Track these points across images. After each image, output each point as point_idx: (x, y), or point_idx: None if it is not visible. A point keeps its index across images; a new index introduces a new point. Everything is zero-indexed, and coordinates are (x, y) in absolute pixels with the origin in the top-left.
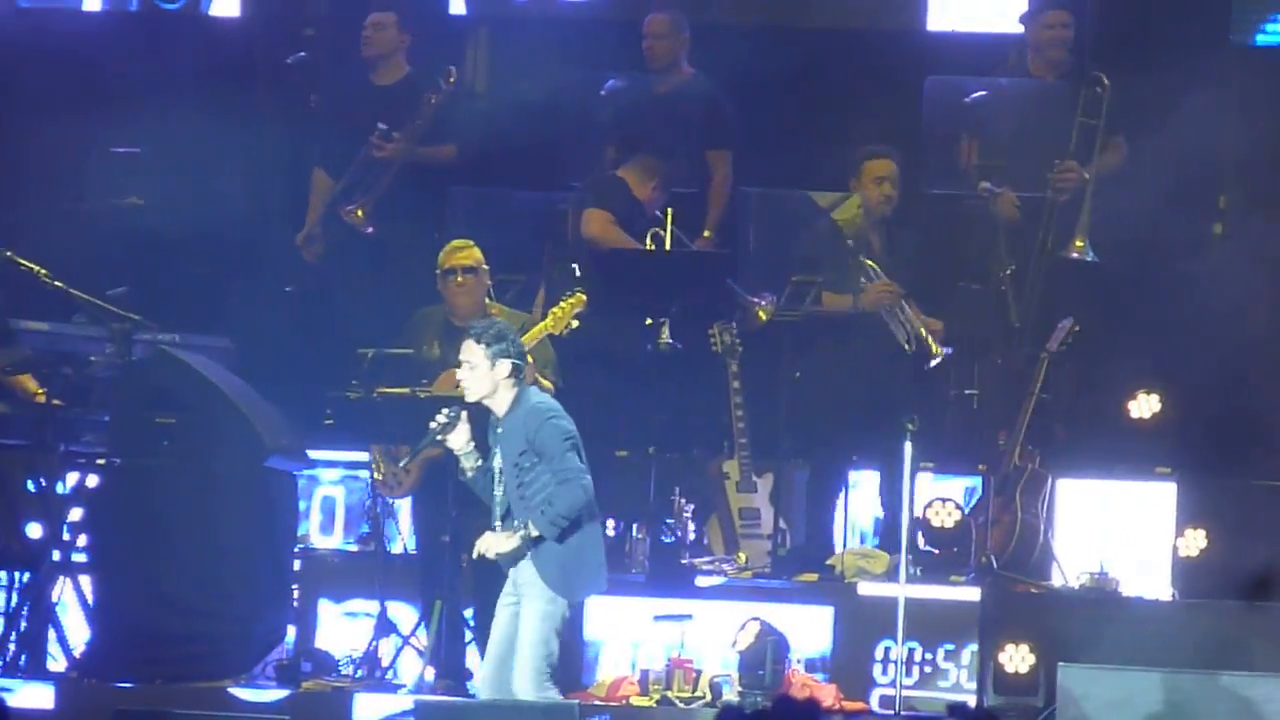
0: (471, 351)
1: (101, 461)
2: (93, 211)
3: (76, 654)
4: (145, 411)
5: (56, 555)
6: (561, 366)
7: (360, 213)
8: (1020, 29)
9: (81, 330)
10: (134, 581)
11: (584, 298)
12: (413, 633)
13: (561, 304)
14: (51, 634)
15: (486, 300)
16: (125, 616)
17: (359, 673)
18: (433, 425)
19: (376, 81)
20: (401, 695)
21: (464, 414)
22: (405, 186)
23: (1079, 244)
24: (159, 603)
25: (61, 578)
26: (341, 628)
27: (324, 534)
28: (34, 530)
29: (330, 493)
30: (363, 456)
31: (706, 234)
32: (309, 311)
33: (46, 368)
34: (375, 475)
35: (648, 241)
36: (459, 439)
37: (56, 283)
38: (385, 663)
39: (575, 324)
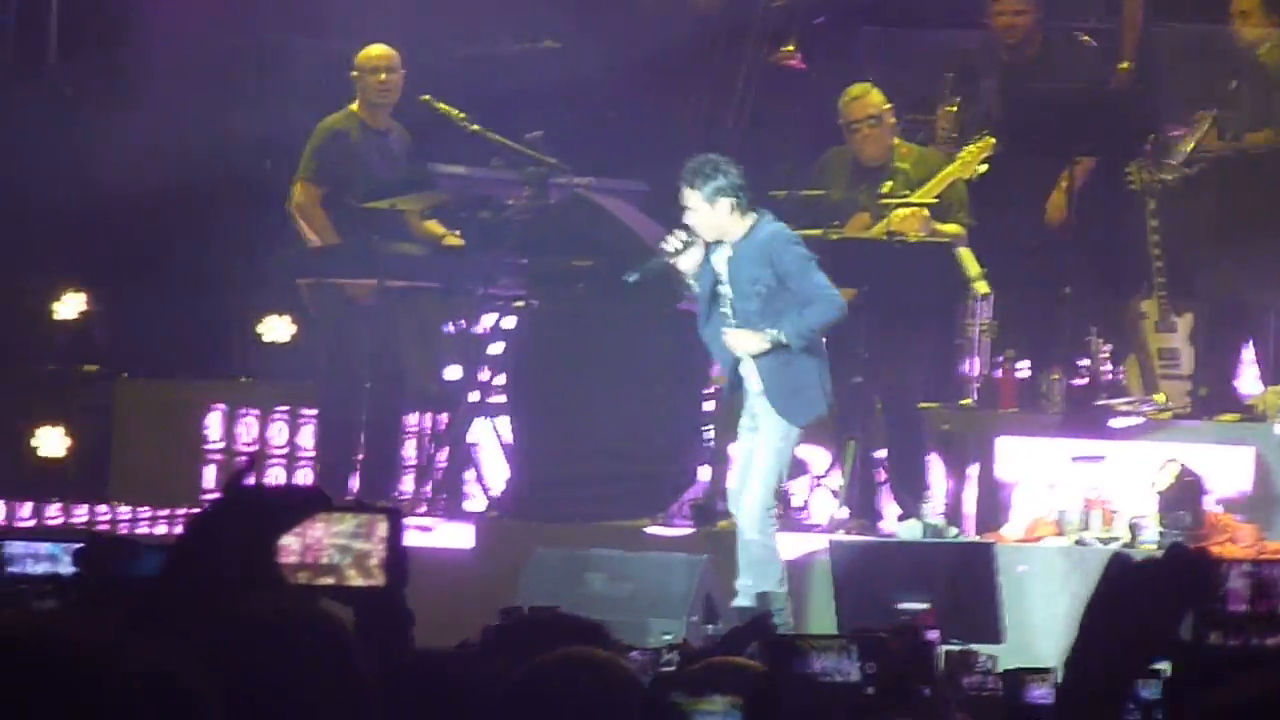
0: (689, 197)
1: (518, 304)
2: (506, 55)
3: (495, 494)
4: (561, 255)
5: (474, 396)
6: (972, 208)
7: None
8: None
9: (498, 174)
10: (550, 423)
11: (993, 140)
12: (826, 473)
13: (969, 146)
14: (470, 474)
15: (895, 141)
16: (542, 457)
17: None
18: (665, 246)
19: None
20: (816, 535)
21: (700, 240)
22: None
23: None
24: (575, 443)
25: (479, 418)
26: None
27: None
28: (452, 372)
29: None
30: None
31: (1124, 65)
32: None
33: (464, 211)
34: None
35: None
36: (690, 262)
37: (474, 126)
38: (798, 502)
39: (983, 168)
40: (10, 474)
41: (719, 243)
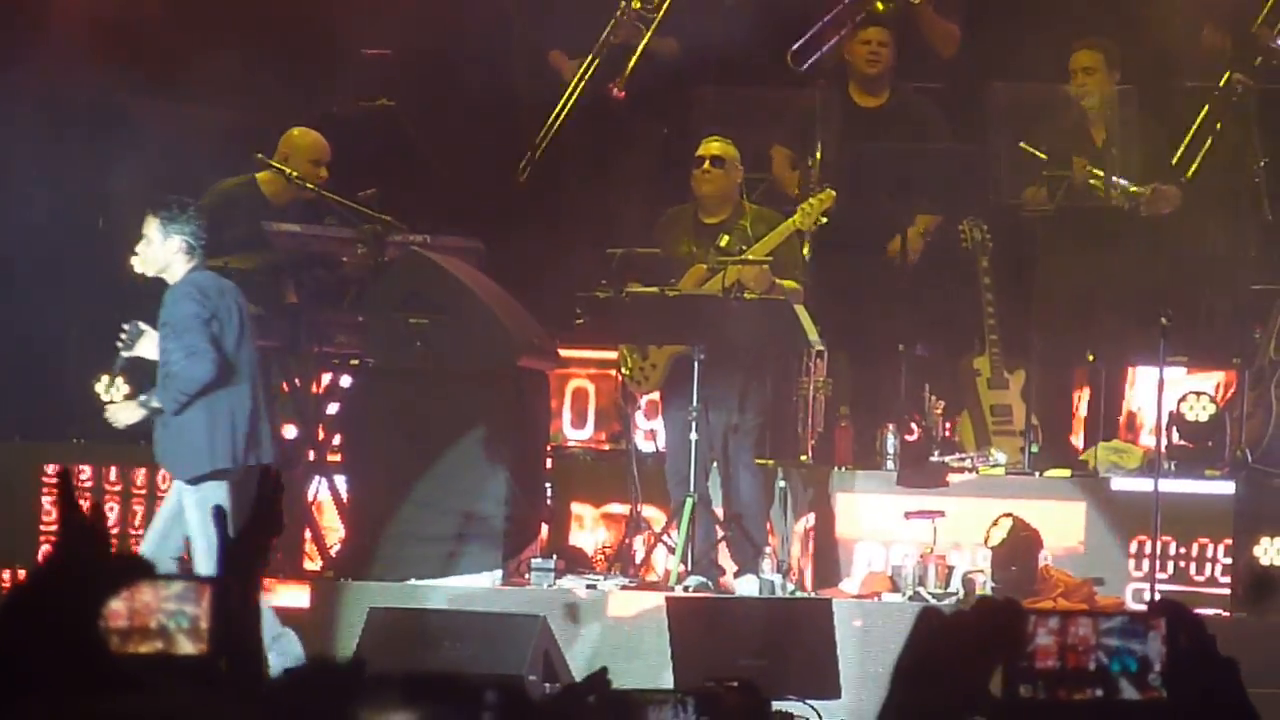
0: (148, 225)
1: (355, 362)
2: (342, 114)
3: (331, 553)
4: (397, 313)
5: (311, 455)
6: (811, 264)
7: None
8: None
9: (332, 232)
10: (388, 481)
11: (833, 193)
12: (664, 529)
13: (810, 200)
14: (307, 533)
15: (738, 198)
16: (380, 516)
17: (612, 570)
18: (119, 345)
19: None
20: (654, 593)
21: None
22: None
23: None
24: (413, 502)
25: (316, 477)
26: (594, 526)
27: (575, 430)
28: (288, 430)
29: (581, 389)
30: (613, 354)
31: None
32: (556, 211)
33: (299, 269)
34: (624, 372)
35: None
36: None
37: (307, 185)
38: (638, 560)
39: (823, 220)
40: None
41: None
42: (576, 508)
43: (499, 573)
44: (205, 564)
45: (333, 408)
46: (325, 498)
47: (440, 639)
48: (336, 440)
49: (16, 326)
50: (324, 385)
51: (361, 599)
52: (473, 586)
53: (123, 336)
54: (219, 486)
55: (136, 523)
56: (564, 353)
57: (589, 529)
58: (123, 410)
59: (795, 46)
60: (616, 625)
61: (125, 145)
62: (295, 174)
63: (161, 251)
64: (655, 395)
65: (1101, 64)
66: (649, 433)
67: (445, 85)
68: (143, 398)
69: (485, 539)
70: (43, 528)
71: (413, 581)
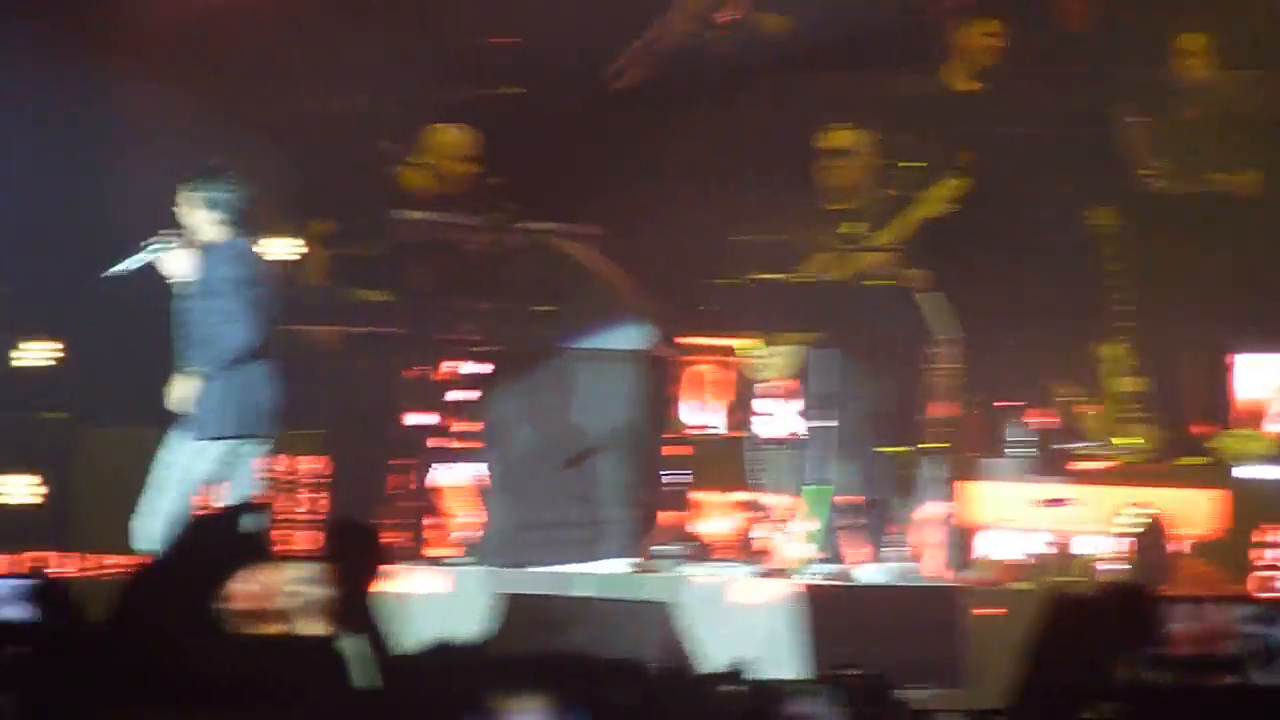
0: (181, 193)
1: (480, 350)
2: (468, 102)
3: (459, 539)
4: (523, 300)
5: (437, 442)
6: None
7: None
8: None
9: (458, 220)
10: (513, 468)
11: (961, 179)
12: (791, 517)
13: (937, 185)
14: (435, 520)
15: (866, 183)
16: (506, 503)
17: (736, 557)
18: (148, 242)
19: None
20: (782, 580)
21: (182, 242)
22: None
23: None
24: (539, 488)
25: (442, 465)
26: (719, 514)
27: (697, 418)
28: (412, 418)
29: (704, 377)
30: (736, 342)
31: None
32: (680, 198)
33: (425, 256)
34: (748, 360)
35: None
36: (175, 264)
37: (438, 176)
38: (762, 547)
39: (952, 207)
40: None
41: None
42: (701, 495)
43: (625, 560)
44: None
45: (456, 395)
46: (450, 484)
47: (567, 625)
48: (460, 427)
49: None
50: (448, 373)
51: (489, 585)
52: (599, 573)
53: (156, 239)
54: (222, 449)
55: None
56: (687, 340)
57: (714, 516)
58: (178, 387)
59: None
60: (741, 612)
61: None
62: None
63: (197, 218)
64: (779, 382)
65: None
66: (773, 420)
67: (572, 72)
68: (188, 369)
69: (611, 526)
70: None
71: (540, 568)
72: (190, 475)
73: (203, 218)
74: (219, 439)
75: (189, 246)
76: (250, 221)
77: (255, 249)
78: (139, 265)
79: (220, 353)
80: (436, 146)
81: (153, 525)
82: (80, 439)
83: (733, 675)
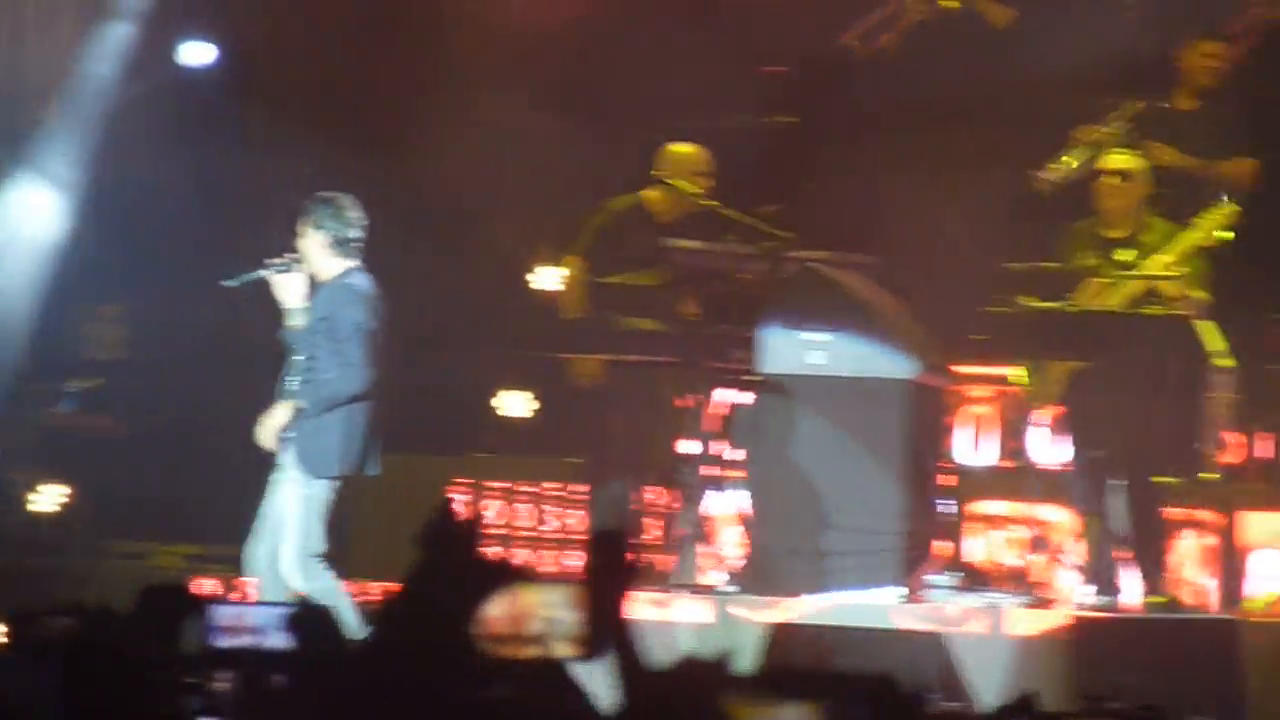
0: (300, 222)
1: (751, 378)
2: (741, 130)
3: (730, 568)
4: (794, 329)
5: (707, 471)
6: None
7: None
8: None
9: (732, 248)
10: (785, 496)
11: (1233, 207)
12: (1065, 548)
13: (1208, 213)
14: (706, 548)
15: (1141, 211)
16: (777, 531)
17: (1012, 587)
18: (270, 261)
19: None
20: (1055, 610)
21: (302, 269)
22: None
23: None
24: (811, 516)
25: (714, 492)
26: (993, 543)
27: (971, 448)
28: (686, 446)
29: (978, 406)
30: (1010, 370)
31: None
32: (952, 226)
33: (697, 285)
34: (1022, 388)
35: None
36: (291, 290)
37: (708, 201)
38: (1038, 577)
39: (1227, 235)
40: None
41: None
42: (975, 525)
43: (897, 589)
44: (293, 559)
45: (730, 422)
46: (721, 512)
47: (838, 655)
48: (733, 455)
49: (423, 344)
50: (720, 401)
51: (761, 614)
52: (871, 603)
53: (276, 261)
54: (331, 489)
55: (544, 528)
56: (961, 368)
57: (988, 545)
58: (273, 416)
59: None
60: (1016, 643)
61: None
62: (692, 190)
63: (310, 247)
64: (1050, 410)
65: None
66: (1044, 448)
67: (844, 100)
68: (289, 396)
69: (882, 555)
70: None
71: (810, 597)
72: (300, 511)
73: (316, 246)
74: (321, 477)
75: (305, 273)
76: (363, 253)
77: (371, 288)
78: (254, 280)
79: (329, 395)
80: (673, 164)
81: (270, 562)
82: None
83: (1018, 708)
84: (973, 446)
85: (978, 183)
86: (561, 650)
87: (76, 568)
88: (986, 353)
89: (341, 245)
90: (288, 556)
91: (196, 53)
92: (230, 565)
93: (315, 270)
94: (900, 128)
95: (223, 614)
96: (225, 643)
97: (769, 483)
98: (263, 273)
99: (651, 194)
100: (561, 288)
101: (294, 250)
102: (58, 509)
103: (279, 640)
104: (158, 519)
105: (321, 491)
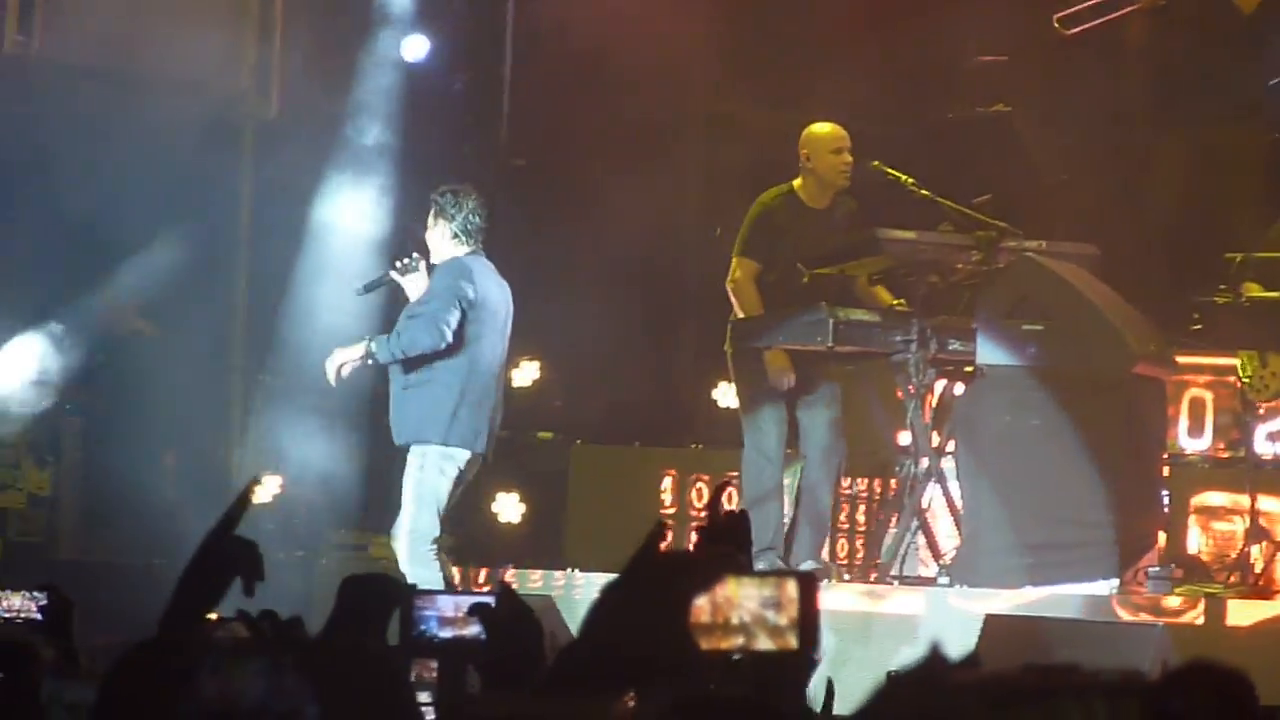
0: (430, 213)
1: (968, 369)
2: (957, 121)
3: (945, 561)
4: (1010, 319)
5: (925, 462)
6: None
7: None
8: None
9: (947, 238)
10: (999, 487)
11: None
12: None
13: None
14: (921, 540)
15: None
16: (993, 523)
17: (1231, 578)
18: (395, 263)
19: None
20: (1275, 601)
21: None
22: None
23: None
24: (1024, 509)
25: (930, 484)
26: (1213, 534)
27: (1191, 439)
28: (902, 437)
29: (1198, 396)
30: (1231, 360)
31: None
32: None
33: (912, 275)
34: (1243, 379)
35: None
36: (415, 286)
37: (923, 191)
38: (1258, 568)
39: None
40: (467, 539)
41: None
42: (1193, 517)
43: (1114, 581)
44: (403, 541)
45: (946, 413)
46: (940, 504)
47: (1057, 647)
48: (950, 446)
49: (641, 336)
50: (938, 392)
51: (976, 605)
52: (1088, 595)
53: (401, 263)
54: (444, 473)
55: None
56: (1181, 359)
57: (1207, 537)
58: (342, 351)
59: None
60: (1235, 636)
61: (732, 155)
62: (911, 181)
63: (435, 236)
64: (1276, 403)
65: None
66: (1269, 439)
67: (1056, 90)
68: (366, 339)
69: (1099, 547)
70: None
71: (1028, 588)
72: (424, 487)
73: (440, 236)
74: (401, 442)
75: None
76: (486, 243)
77: (485, 269)
78: (383, 284)
79: (401, 344)
80: (814, 143)
81: (410, 542)
82: (572, 457)
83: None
84: (1192, 437)
85: (1194, 170)
86: (764, 643)
87: (294, 560)
88: (1210, 343)
89: (464, 234)
90: (400, 537)
91: None
92: (450, 555)
93: (439, 259)
94: (1115, 117)
95: (424, 604)
96: (432, 633)
97: (985, 474)
98: (391, 275)
99: (799, 183)
100: (733, 287)
101: (418, 252)
102: (272, 500)
103: (479, 631)
104: (377, 511)
105: (432, 475)
